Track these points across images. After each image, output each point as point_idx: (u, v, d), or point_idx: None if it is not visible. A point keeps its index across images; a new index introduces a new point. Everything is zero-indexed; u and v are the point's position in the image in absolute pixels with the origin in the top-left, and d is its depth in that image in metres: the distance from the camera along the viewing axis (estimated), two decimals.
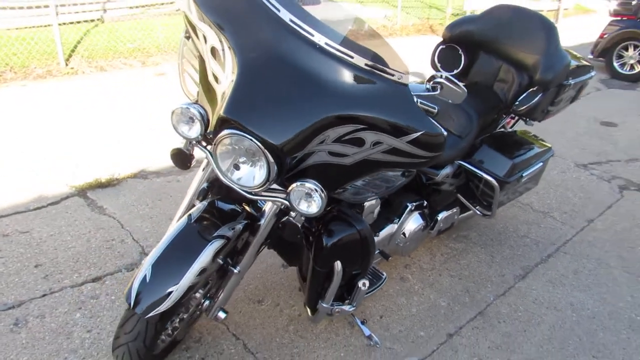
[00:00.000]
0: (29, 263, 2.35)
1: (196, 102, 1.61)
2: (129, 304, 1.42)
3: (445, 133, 1.52)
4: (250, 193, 1.51)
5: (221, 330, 2.02)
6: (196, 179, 1.76)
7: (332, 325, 2.07)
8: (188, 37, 1.74)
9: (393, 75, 1.47)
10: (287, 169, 1.45)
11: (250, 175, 1.46)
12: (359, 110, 1.43)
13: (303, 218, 1.57)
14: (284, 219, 1.56)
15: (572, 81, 2.38)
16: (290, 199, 1.46)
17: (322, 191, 1.43)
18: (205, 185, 1.75)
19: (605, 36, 6.60)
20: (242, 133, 1.38)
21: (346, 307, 1.77)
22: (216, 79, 1.54)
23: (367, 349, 1.97)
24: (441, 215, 2.30)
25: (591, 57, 6.87)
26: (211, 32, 1.54)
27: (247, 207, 1.71)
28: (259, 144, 1.37)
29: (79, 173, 3.22)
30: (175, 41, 6.46)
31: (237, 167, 1.46)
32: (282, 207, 1.61)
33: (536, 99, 2.26)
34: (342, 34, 1.53)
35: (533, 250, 2.69)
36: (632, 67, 6.50)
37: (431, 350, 1.99)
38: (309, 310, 1.83)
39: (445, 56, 2.57)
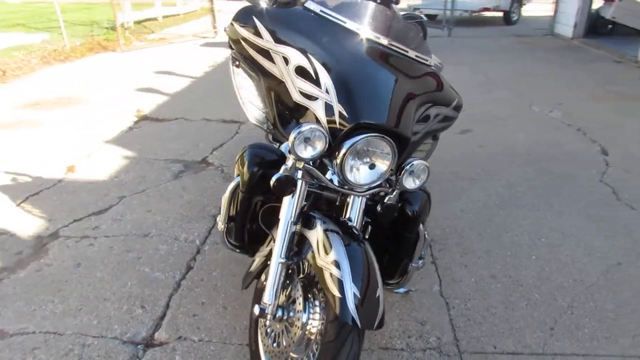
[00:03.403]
0: None
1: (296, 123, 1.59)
2: (358, 325, 1.40)
3: None
4: (365, 191, 1.65)
5: None
6: (289, 208, 1.65)
7: None
8: (238, 66, 1.64)
9: (427, 60, 1.83)
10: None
11: (373, 172, 1.61)
12: (430, 89, 1.75)
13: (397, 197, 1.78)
14: (385, 204, 1.75)
15: None
16: (403, 180, 1.68)
17: (426, 162, 1.70)
18: (298, 210, 1.69)
19: None
20: (378, 134, 1.53)
21: (423, 260, 2.05)
22: (307, 95, 1.57)
23: None
24: None
25: None
26: (295, 52, 1.56)
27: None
28: (390, 140, 1.55)
29: None
30: None
31: (372, 168, 1.59)
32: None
33: None
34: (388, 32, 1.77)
35: None
36: None
37: None
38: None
39: None
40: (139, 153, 4.09)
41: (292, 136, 1.50)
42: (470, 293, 2.34)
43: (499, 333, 2.09)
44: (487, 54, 8.37)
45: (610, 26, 9.58)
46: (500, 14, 12.23)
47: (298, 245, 1.69)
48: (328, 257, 1.51)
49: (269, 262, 1.70)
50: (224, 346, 2.03)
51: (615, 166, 3.72)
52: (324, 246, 1.54)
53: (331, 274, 1.48)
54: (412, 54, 1.74)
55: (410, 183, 1.68)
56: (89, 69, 7.23)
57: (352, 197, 1.74)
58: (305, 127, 1.49)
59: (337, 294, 1.44)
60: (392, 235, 1.95)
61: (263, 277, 1.77)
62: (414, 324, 2.14)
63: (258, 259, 1.93)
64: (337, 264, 1.48)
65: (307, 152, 1.53)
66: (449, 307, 2.25)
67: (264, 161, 1.94)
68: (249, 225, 2.01)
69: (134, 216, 3.07)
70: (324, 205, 1.89)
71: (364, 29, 1.67)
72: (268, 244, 1.88)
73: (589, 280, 2.42)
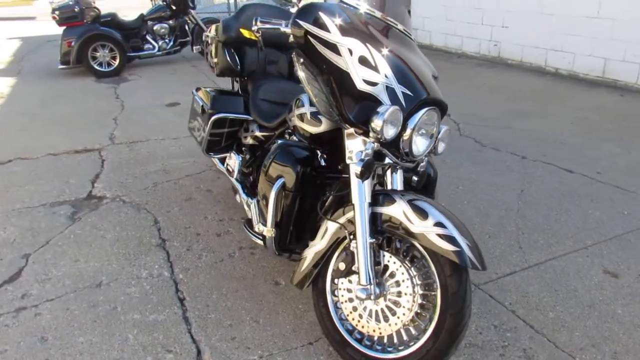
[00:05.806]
0: None
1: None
2: (479, 268, 1.59)
3: None
4: (415, 160, 1.86)
5: None
6: (362, 191, 1.72)
7: None
8: (302, 63, 1.63)
9: (415, 40, 2.09)
10: None
11: (428, 142, 1.82)
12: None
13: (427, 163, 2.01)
14: (420, 171, 1.97)
15: None
16: (438, 145, 1.92)
17: (448, 127, 1.97)
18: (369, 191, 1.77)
19: (73, 44, 7.00)
20: (432, 107, 1.75)
21: None
22: (369, 82, 1.68)
23: None
24: None
25: (64, 67, 7.15)
26: (357, 43, 1.66)
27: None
28: (439, 110, 1.79)
29: None
30: None
31: (431, 138, 1.79)
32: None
33: None
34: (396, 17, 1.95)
35: None
36: (109, 64, 7.30)
37: None
38: None
39: (231, 57, 2.88)
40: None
41: (378, 121, 1.62)
42: None
43: (490, 263, 2.50)
44: None
45: None
46: None
47: (372, 224, 1.79)
48: (427, 222, 1.67)
49: (351, 249, 1.76)
50: (289, 353, 1.98)
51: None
52: (416, 214, 1.69)
53: (438, 235, 1.64)
54: (412, 36, 1.98)
55: (441, 147, 1.93)
56: None
57: (391, 171, 1.92)
58: (389, 110, 1.61)
59: (453, 248, 1.62)
60: None
61: (339, 265, 1.81)
62: None
63: (311, 255, 1.94)
64: (440, 225, 1.65)
65: (391, 133, 1.65)
66: None
67: (301, 158, 1.97)
68: (292, 227, 2.00)
69: (63, 270, 2.60)
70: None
71: (383, 16, 1.83)
72: (323, 236, 1.91)
73: (513, 207, 3.03)
